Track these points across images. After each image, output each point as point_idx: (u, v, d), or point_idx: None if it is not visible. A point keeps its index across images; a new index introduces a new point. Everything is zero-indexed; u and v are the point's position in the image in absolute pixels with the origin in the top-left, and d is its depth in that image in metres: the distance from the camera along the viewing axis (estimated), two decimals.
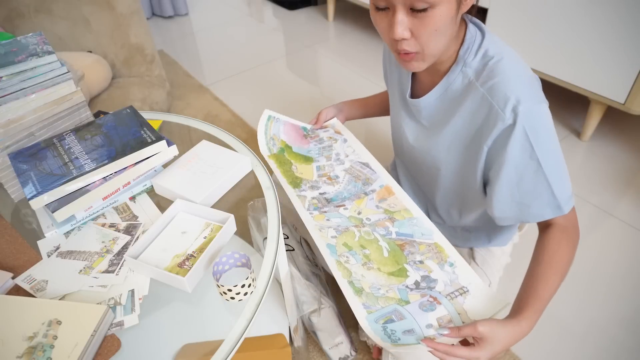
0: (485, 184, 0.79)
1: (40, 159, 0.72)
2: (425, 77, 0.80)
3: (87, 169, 0.70)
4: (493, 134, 0.68)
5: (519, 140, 0.66)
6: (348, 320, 1.05)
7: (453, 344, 0.65)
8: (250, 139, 1.79)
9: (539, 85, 0.70)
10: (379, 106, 1.13)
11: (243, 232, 0.96)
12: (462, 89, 0.73)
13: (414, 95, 0.83)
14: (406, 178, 1.02)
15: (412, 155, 0.90)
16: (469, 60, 0.71)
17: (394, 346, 0.67)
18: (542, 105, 0.66)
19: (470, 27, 0.71)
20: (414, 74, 0.83)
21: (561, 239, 0.71)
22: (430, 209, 0.98)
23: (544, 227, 0.75)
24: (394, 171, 1.11)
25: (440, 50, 0.67)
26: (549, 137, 0.68)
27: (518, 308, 0.67)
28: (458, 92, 0.73)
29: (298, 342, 0.97)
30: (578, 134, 1.71)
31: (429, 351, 0.63)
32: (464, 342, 0.66)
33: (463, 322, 0.70)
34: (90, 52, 1.55)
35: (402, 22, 0.62)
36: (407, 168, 0.99)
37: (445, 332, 0.66)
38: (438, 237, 0.82)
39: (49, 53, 0.76)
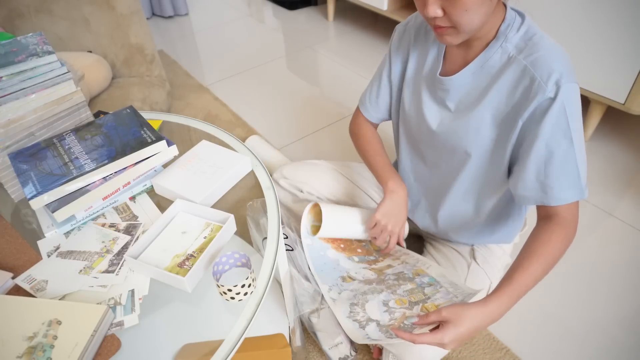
0: (511, 163, 0.79)
1: (40, 159, 0.72)
2: (456, 56, 0.79)
3: (87, 169, 0.70)
4: (530, 107, 0.69)
5: (556, 114, 0.67)
6: None
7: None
8: None
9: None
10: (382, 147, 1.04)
11: (243, 232, 0.96)
12: (501, 64, 0.73)
13: (443, 75, 0.82)
14: (414, 177, 1.00)
15: (432, 143, 0.89)
16: (510, 35, 0.71)
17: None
18: (577, 86, 0.68)
19: (510, 9, 0.73)
20: (444, 55, 0.82)
21: (554, 232, 0.72)
22: (439, 205, 0.96)
23: (545, 216, 0.75)
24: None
25: (475, 27, 0.68)
26: (580, 118, 0.69)
27: (492, 291, 0.68)
28: (495, 67, 0.74)
29: (297, 342, 0.97)
30: None
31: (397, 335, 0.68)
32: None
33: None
34: (90, 52, 1.55)
35: (434, 3, 0.65)
36: (419, 160, 0.97)
37: (414, 320, 0.70)
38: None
39: (49, 53, 0.76)
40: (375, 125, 1.06)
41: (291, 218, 1.12)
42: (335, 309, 0.82)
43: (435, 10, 0.66)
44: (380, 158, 0.97)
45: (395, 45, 0.93)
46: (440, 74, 0.82)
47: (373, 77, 0.99)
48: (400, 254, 1.00)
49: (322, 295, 0.99)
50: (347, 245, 1.01)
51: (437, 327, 0.67)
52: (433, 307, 0.78)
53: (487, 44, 0.74)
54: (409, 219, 1.09)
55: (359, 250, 1.01)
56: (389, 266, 0.95)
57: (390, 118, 1.02)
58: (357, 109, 1.04)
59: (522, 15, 0.73)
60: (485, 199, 0.89)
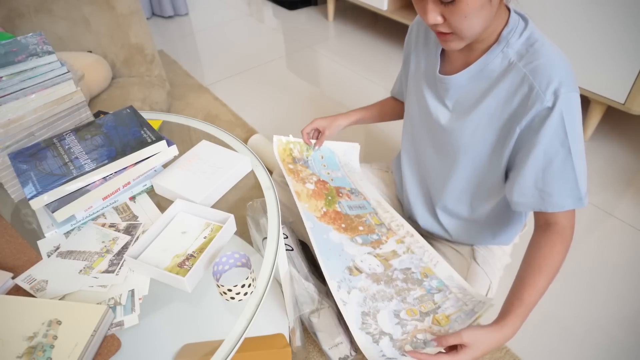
0: (508, 170, 0.79)
1: (40, 159, 0.72)
2: (458, 57, 0.79)
3: (87, 169, 0.70)
4: (528, 116, 0.68)
5: (555, 124, 0.67)
6: None
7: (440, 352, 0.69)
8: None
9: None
10: (376, 116, 1.14)
11: (243, 232, 0.96)
12: (501, 69, 0.73)
13: (443, 74, 0.82)
14: (413, 173, 1.00)
15: (429, 140, 0.89)
16: (512, 40, 0.71)
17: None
18: (578, 94, 0.68)
19: (513, 13, 0.72)
20: (444, 53, 0.82)
21: (555, 242, 0.72)
22: (437, 205, 0.97)
23: (543, 224, 0.75)
24: (397, 170, 1.11)
25: (477, 31, 0.68)
26: (580, 127, 0.69)
27: (503, 313, 0.69)
28: (495, 72, 0.73)
29: (297, 342, 0.97)
30: None
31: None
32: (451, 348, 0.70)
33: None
34: (90, 52, 1.55)
35: (433, 10, 0.65)
36: (417, 158, 0.97)
37: (426, 335, 0.72)
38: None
39: (49, 53, 0.76)
40: (394, 99, 1.13)
41: (291, 218, 1.12)
42: (347, 315, 0.83)
43: (435, 18, 0.66)
44: (367, 107, 1.15)
45: (406, 41, 0.95)
46: (441, 73, 0.82)
47: None
48: (404, 232, 1.00)
49: (322, 295, 0.99)
50: (347, 224, 1.01)
51: (454, 347, 0.68)
52: (444, 317, 0.80)
53: (489, 47, 0.73)
54: (410, 220, 1.09)
55: (361, 228, 1.00)
56: (394, 253, 0.95)
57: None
58: None
59: (525, 20, 0.72)
60: (480, 202, 0.89)
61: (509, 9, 0.72)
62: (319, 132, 1.12)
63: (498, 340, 0.66)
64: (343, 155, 1.17)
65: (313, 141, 1.12)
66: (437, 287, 0.86)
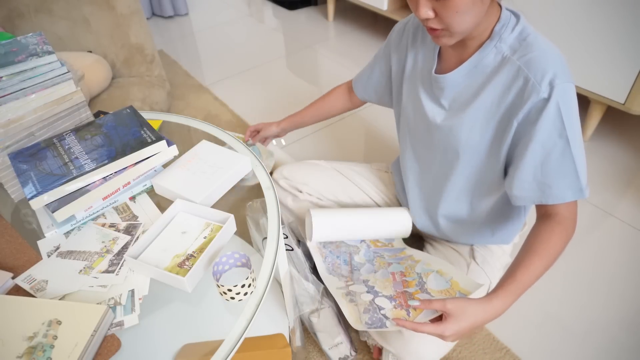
0: (507, 164, 0.79)
1: (40, 159, 0.72)
2: (451, 55, 0.80)
3: (87, 169, 0.70)
4: (525, 108, 0.69)
5: (551, 115, 0.67)
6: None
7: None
8: None
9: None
10: (315, 117, 1.21)
11: (243, 232, 0.96)
12: (495, 65, 0.73)
13: (437, 73, 0.82)
14: (412, 174, 1.00)
15: (426, 141, 0.89)
16: (505, 35, 0.71)
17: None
18: (573, 85, 0.68)
19: (505, 9, 0.73)
20: (439, 52, 0.83)
21: (554, 231, 0.72)
22: (436, 204, 0.97)
23: (544, 215, 0.75)
24: (397, 171, 1.11)
25: (467, 28, 0.68)
26: (577, 117, 0.69)
27: (494, 289, 0.69)
28: (489, 67, 0.74)
29: (297, 342, 0.98)
30: None
31: (398, 325, 0.69)
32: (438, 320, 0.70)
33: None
34: (90, 52, 1.55)
35: (425, 5, 0.66)
36: (416, 159, 0.97)
37: (417, 303, 0.72)
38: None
39: (49, 53, 0.76)
40: (358, 100, 1.15)
41: (291, 218, 1.12)
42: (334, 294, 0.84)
43: (426, 12, 0.66)
44: (302, 110, 1.21)
45: (395, 43, 0.94)
46: (436, 72, 0.82)
47: (370, 62, 1.07)
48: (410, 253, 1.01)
49: (322, 295, 0.99)
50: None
51: (439, 318, 0.68)
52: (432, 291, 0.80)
53: (482, 44, 0.74)
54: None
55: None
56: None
57: (375, 101, 1.11)
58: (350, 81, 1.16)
59: (517, 16, 0.73)
60: (480, 199, 0.89)
61: (500, 6, 0.73)
62: (258, 132, 1.21)
63: (486, 312, 0.66)
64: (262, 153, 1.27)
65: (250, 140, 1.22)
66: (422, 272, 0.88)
